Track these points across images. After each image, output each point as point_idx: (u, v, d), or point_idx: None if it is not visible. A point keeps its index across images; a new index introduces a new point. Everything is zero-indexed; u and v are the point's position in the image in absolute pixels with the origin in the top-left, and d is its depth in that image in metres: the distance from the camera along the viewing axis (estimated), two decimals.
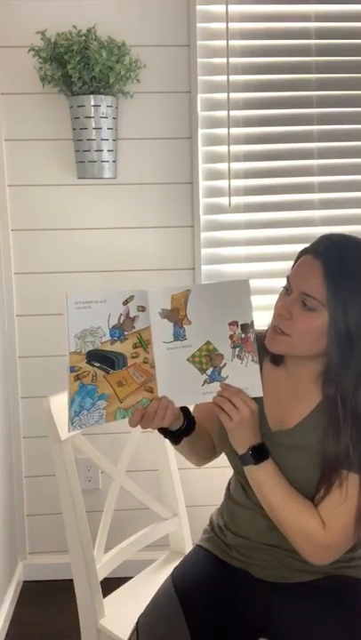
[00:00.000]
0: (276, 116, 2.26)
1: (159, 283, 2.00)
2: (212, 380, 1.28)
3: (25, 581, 2.39)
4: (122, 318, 1.25)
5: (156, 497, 1.79)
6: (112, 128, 2.09)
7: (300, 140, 2.27)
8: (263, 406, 1.36)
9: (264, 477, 1.29)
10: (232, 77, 2.20)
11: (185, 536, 1.81)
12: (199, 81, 2.20)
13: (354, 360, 1.23)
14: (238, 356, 1.28)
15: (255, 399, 1.28)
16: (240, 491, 1.42)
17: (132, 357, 1.26)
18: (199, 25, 2.17)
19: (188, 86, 2.20)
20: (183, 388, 1.27)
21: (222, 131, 2.23)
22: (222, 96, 2.21)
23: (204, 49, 2.20)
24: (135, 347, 1.26)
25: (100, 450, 1.64)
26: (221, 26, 2.18)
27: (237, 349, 1.28)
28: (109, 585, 1.66)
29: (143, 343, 1.26)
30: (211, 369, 1.28)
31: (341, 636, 1.27)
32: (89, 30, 2.03)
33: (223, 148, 2.24)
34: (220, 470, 1.55)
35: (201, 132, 2.23)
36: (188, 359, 1.28)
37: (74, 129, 2.09)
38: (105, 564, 1.62)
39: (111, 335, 1.24)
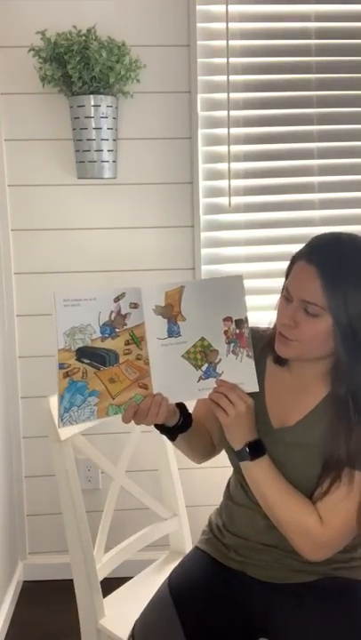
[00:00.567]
0: (276, 116, 2.26)
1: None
2: (207, 376, 1.28)
3: (25, 581, 2.39)
4: (113, 315, 1.25)
5: (156, 497, 1.79)
6: (112, 128, 2.09)
7: (300, 140, 2.27)
8: (265, 404, 1.37)
9: (261, 473, 1.29)
10: (232, 77, 2.20)
11: (185, 536, 1.81)
12: (199, 81, 2.20)
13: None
14: (233, 352, 1.29)
15: (252, 395, 1.28)
16: (240, 490, 1.42)
17: (125, 354, 1.26)
18: (199, 25, 2.17)
19: (188, 86, 2.20)
20: (178, 385, 1.27)
21: (222, 131, 2.23)
22: (222, 96, 2.21)
23: (204, 49, 2.20)
24: (127, 343, 1.26)
25: (100, 450, 1.64)
26: (221, 26, 2.18)
27: (232, 345, 1.29)
28: (109, 585, 1.66)
29: (136, 340, 1.26)
30: (206, 365, 1.28)
31: (340, 636, 1.27)
32: (89, 30, 2.03)
33: (223, 148, 2.24)
34: (221, 470, 1.55)
35: (201, 131, 2.23)
36: (182, 355, 1.28)
37: (74, 129, 2.09)
38: (105, 564, 1.62)
39: (102, 332, 1.25)
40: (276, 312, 1.32)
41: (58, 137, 2.18)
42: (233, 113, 2.22)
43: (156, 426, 1.32)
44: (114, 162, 2.14)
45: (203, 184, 2.25)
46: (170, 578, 1.44)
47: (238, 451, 1.30)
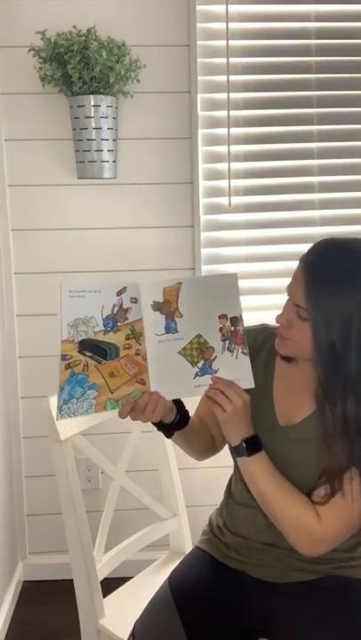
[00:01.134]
0: (276, 116, 2.26)
1: None
2: (203, 372, 1.29)
3: (25, 581, 2.40)
4: (115, 309, 1.25)
5: (156, 497, 1.79)
6: (112, 128, 2.09)
7: (300, 140, 2.27)
8: (273, 401, 1.37)
9: (258, 469, 1.30)
10: (232, 77, 2.20)
11: (185, 536, 1.81)
12: (199, 81, 2.20)
13: (340, 373, 1.20)
14: (229, 349, 1.30)
15: (259, 392, 1.29)
16: (241, 488, 1.41)
17: (125, 349, 1.26)
18: (199, 25, 2.17)
19: (188, 86, 2.20)
20: (175, 381, 1.28)
21: (222, 131, 2.23)
22: (222, 96, 2.21)
23: (204, 49, 2.20)
24: (128, 338, 1.26)
25: (100, 450, 1.64)
26: (221, 26, 2.18)
27: (227, 342, 1.30)
28: (109, 585, 1.65)
29: (136, 335, 1.26)
30: (202, 362, 1.29)
31: (341, 636, 1.27)
32: (89, 30, 2.03)
33: (223, 148, 2.24)
34: (221, 470, 1.55)
35: (201, 131, 2.23)
36: (179, 352, 1.28)
37: (74, 129, 2.09)
38: (105, 564, 1.62)
39: (104, 325, 1.25)
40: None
41: (58, 137, 2.18)
42: (233, 113, 2.22)
43: (153, 422, 1.33)
44: (114, 162, 2.14)
45: (203, 184, 2.25)
46: (170, 578, 1.44)
47: (235, 446, 1.31)
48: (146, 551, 1.75)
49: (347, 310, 1.17)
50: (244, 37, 2.21)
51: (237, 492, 1.44)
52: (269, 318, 1.37)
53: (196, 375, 1.29)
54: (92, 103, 2.03)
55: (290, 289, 1.27)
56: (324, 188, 2.30)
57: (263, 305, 2.19)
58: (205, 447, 1.48)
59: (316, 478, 1.28)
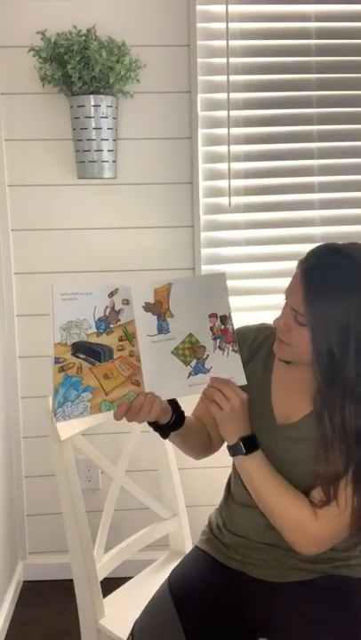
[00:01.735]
0: (276, 116, 2.26)
1: None
2: (196, 371, 1.30)
3: (25, 581, 2.39)
4: (107, 311, 1.25)
5: (156, 497, 1.79)
6: (112, 128, 2.09)
7: (300, 140, 2.27)
8: (271, 400, 1.37)
9: (255, 468, 1.30)
10: (232, 77, 2.20)
11: (185, 536, 1.81)
12: (199, 81, 2.20)
13: (339, 379, 1.20)
14: (220, 347, 1.31)
15: (258, 390, 1.30)
16: (241, 488, 1.41)
17: (119, 350, 1.26)
18: (199, 25, 2.17)
19: (188, 86, 2.20)
20: (169, 381, 1.28)
21: (222, 131, 2.23)
22: (222, 96, 2.21)
23: (204, 49, 2.20)
24: (121, 339, 1.26)
25: (100, 450, 1.64)
26: (221, 26, 2.18)
27: (218, 340, 1.31)
28: (109, 585, 1.66)
29: (129, 336, 1.27)
30: (194, 361, 1.30)
31: (340, 635, 1.27)
32: (89, 30, 2.04)
33: (223, 148, 2.24)
34: (221, 470, 1.55)
35: (201, 131, 2.23)
36: (172, 352, 1.29)
37: (74, 129, 2.09)
38: (105, 564, 1.62)
39: (97, 327, 1.25)
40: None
41: (58, 137, 2.18)
42: (233, 113, 2.22)
43: (149, 423, 1.33)
44: (114, 162, 2.14)
45: (203, 184, 2.25)
46: (170, 578, 1.44)
47: (232, 445, 1.31)
48: (146, 551, 1.75)
49: (345, 316, 1.17)
50: (244, 37, 2.21)
51: (237, 491, 1.44)
52: (269, 318, 1.37)
53: (190, 374, 1.30)
54: (92, 103, 2.03)
55: (288, 294, 1.27)
56: (324, 188, 2.30)
57: (263, 305, 2.19)
58: (203, 447, 1.48)
59: (311, 477, 1.28)
